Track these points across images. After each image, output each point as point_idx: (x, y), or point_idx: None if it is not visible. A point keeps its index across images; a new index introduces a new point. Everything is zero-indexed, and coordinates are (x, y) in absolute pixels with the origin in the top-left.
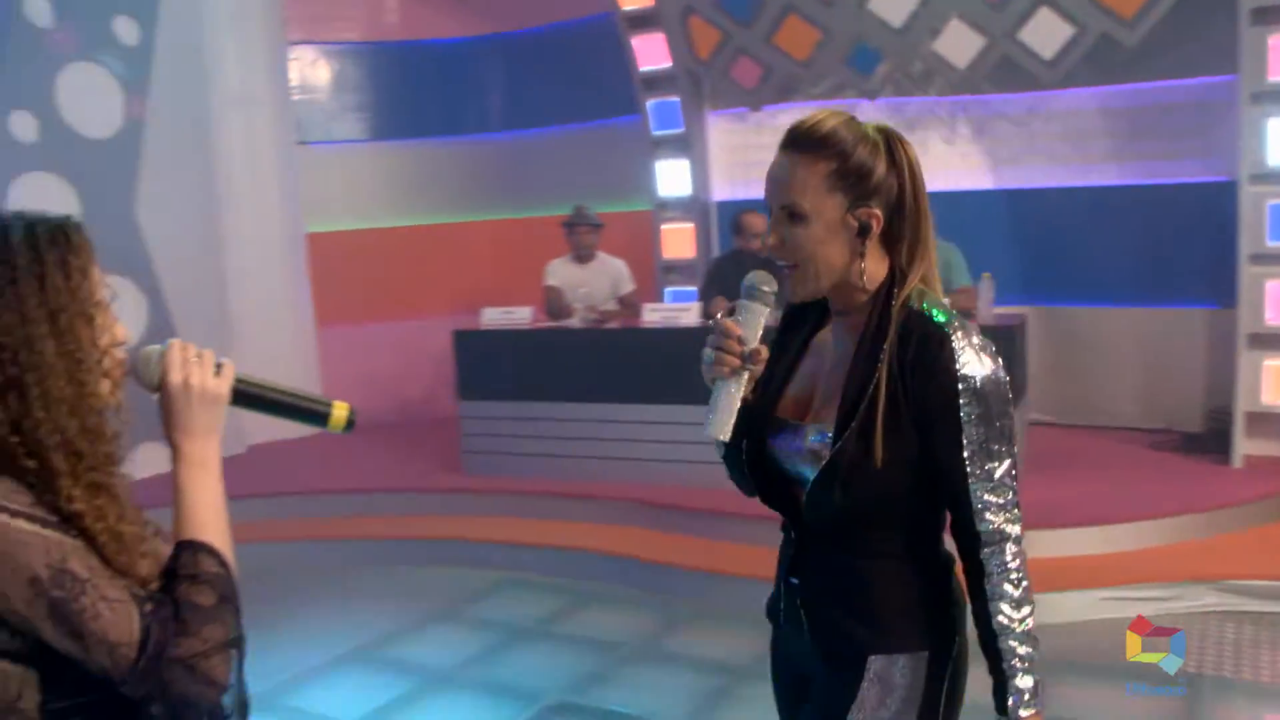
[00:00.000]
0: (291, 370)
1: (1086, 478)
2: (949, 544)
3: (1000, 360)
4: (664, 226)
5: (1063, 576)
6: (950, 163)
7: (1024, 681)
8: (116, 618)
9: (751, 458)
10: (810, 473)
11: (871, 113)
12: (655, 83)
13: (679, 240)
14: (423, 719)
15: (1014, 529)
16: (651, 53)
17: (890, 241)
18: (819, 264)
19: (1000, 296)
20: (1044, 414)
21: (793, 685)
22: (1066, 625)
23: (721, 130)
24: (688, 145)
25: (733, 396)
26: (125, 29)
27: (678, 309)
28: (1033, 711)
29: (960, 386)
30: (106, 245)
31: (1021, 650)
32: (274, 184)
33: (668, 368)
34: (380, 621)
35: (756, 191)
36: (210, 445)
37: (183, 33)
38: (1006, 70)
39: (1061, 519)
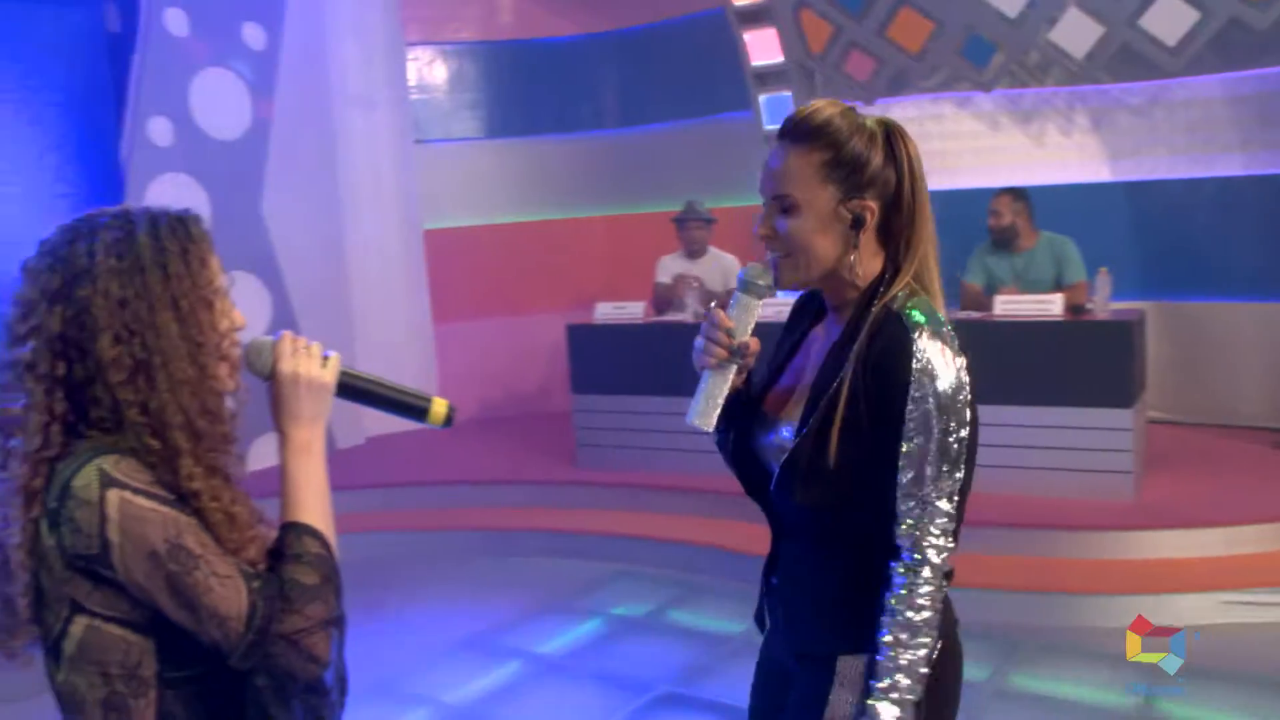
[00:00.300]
0: (409, 365)
1: (1208, 477)
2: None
3: (966, 376)
4: None
5: (1183, 578)
6: (1067, 155)
7: (886, 711)
8: (226, 593)
9: (736, 450)
10: (777, 468)
11: (985, 105)
12: (767, 77)
13: None
14: (534, 706)
15: (934, 552)
16: (763, 47)
17: (887, 237)
18: (810, 255)
19: (1118, 291)
20: (1164, 412)
21: (775, 686)
22: (1186, 629)
23: None
24: None
25: (718, 387)
26: (253, 35)
27: (789, 304)
28: None
29: (909, 394)
30: (233, 242)
31: (898, 679)
32: (393, 182)
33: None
34: (494, 610)
35: None
36: (316, 433)
37: (306, 37)
38: (1127, 59)
39: (1182, 519)
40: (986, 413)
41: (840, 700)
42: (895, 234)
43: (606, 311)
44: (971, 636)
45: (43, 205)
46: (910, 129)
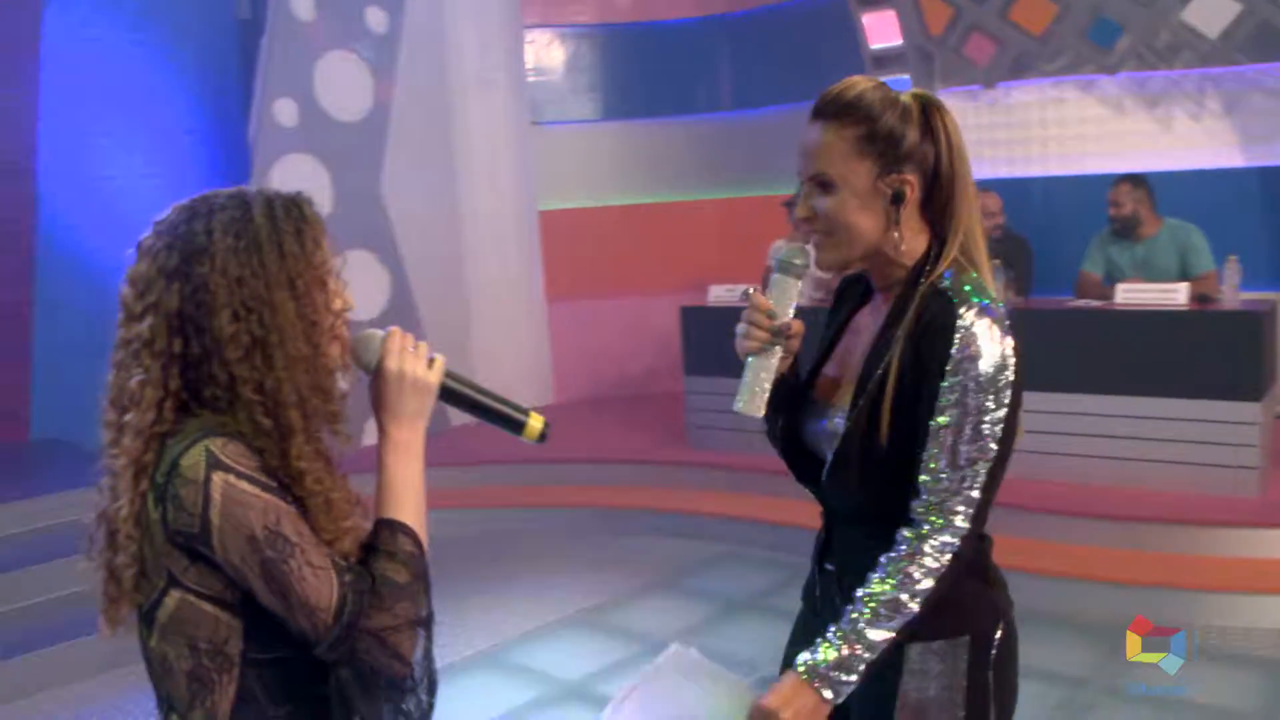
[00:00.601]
0: (523, 345)
1: None
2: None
3: (1016, 355)
4: None
5: None
6: (1195, 140)
7: (827, 654)
8: (319, 583)
9: (786, 437)
10: (830, 452)
11: (1111, 89)
12: (885, 61)
13: None
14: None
15: (948, 532)
16: (882, 30)
17: (931, 213)
18: (850, 233)
19: (1248, 281)
20: None
21: None
22: None
23: (952, 108)
24: None
25: (763, 372)
26: (376, 18)
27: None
28: (811, 682)
29: (949, 368)
30: (352, 222)
31: (867, 633)
32: (509, 163)
33: None
34: (602, 587)
35: (988, 171)
36: (416, 431)
37: (426, 19)
38: (1265, 38)
39: None
40: (1106, 403)
41: (912, 688)
42: (939, 210)
43: (719, 294)
44: (1085, 631)
45: (180, 189)
46: (1031, 114)
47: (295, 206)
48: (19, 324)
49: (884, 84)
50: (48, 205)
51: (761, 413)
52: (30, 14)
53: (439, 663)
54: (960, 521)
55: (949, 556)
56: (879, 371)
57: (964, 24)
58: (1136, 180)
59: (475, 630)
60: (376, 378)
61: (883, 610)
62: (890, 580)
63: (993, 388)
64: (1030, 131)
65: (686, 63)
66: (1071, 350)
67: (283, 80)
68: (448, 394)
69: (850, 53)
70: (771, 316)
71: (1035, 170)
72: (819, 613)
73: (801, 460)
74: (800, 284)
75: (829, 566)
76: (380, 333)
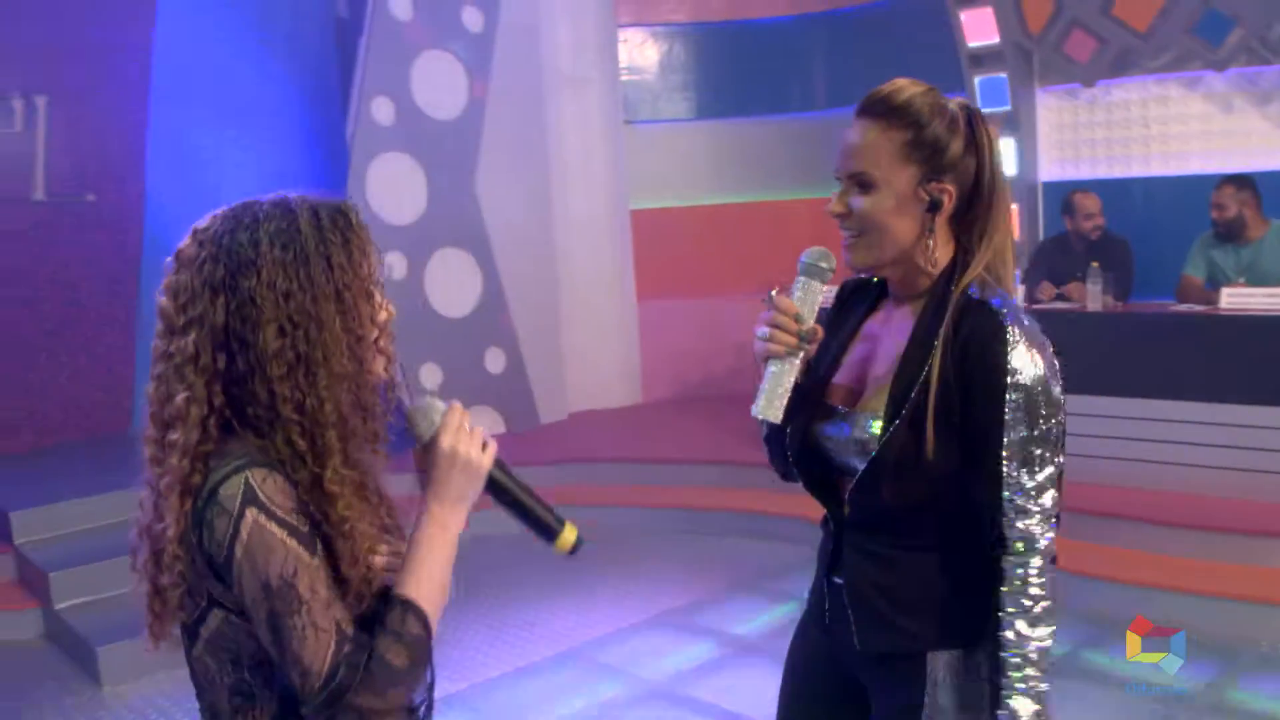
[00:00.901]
0: (613, 344)
1: None
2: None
3: (1055, 362)
4: None
5: None
6: None
7: (1022, 705)
8: (317, 646)
9: (797, 443)
10: (858, 463)
11: (1218, 85)
12: (982, 59)
13: None
14: (725, 686)
15: (1044, 540)
16: (979, 27)
17: (960, 225)
18: (884, 235)
19: None
20: None
21: (830, 688)
22: None
23: (1050, 108)
24: (1014, 123)
25: (786, 376)
26: (471, 18)
27: None
28: None
29: (1008, 382)
30: (447, 220)
31: (1030, 671)
32: (602, 162)
33: None
34: (688, 588)
35: (1088, 171)
36: (457, 512)
37: (521, 18)
38: None
39: None
40: (1211, 411)
41: (937, 697)
42: (969, 224)
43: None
44: (1195, 645)
45: (275, 184)
46: (1133, 112)
47: (341, 215)
48: (127, 320)
49: (934, 89)
50: (153, 204)
51: (780, 418)
52: (144, 21)
53: (523, 661)
54: (1049, 529)
55: (1051, 561)
56: (920, 380)
57: (1064, 20)
58: (1242, 181)
59: (557, 629)
60: (428, 451)
61: (1032, 637)
62: (1022, 608)
63: (1047, 396)
64: (1131, 130)
65: (780, 61)
66: (1174, 356)
67: (380, 79)
68: (492, 483)
69: (947, 51)
70: (799, 320)
71: (1136, 170)
72: (829, 629)
73: (813, 467)
74: (825, 288)
75: (838, 580)
76: (441, 405)
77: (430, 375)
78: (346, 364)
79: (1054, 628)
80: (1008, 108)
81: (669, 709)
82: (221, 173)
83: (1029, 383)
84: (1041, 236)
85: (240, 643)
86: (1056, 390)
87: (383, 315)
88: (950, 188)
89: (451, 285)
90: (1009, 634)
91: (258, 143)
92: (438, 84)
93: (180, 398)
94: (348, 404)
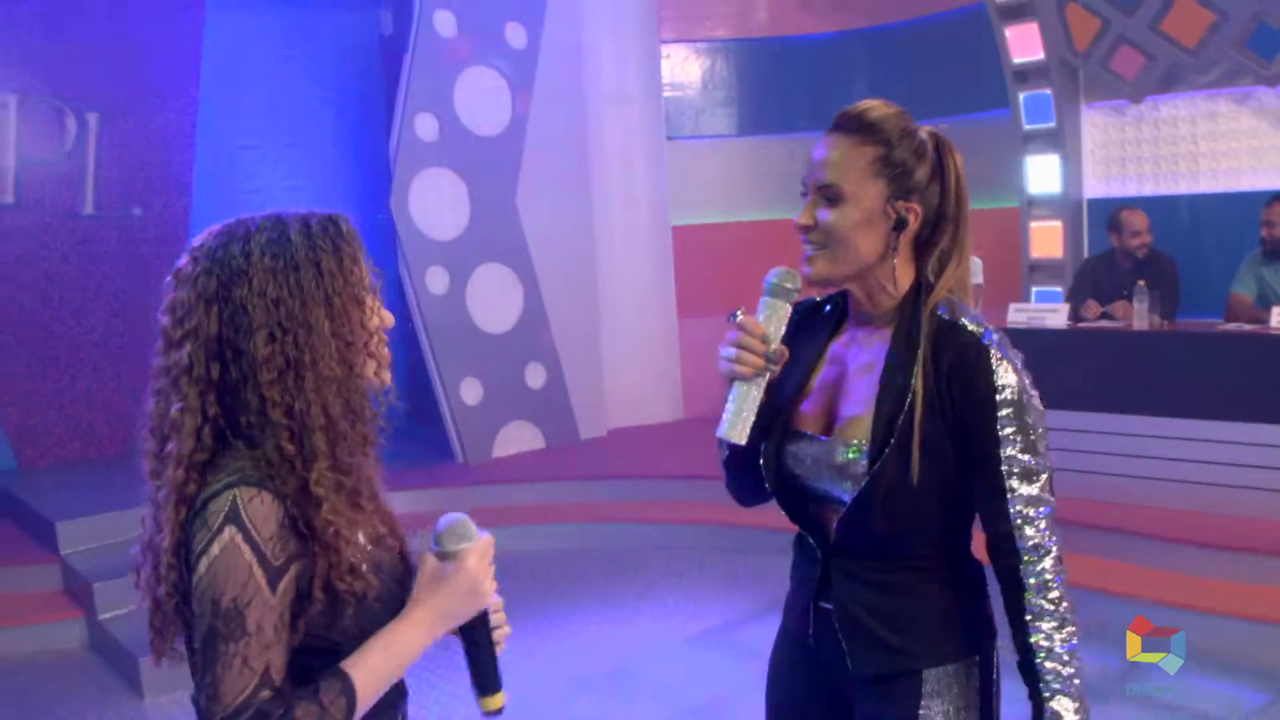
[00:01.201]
0: (653, 360)
1: None
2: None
3: (1029, 373)
4: (1032, 224)
5: None
6: None
7: (1063, 704)
8: (238, 680)
9: (769, 468)
10: (840, 491)
11: (1269, 101)
12: (1027, 75)
13: (1047, 238)
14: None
15: (1052, 544)
16: (1024, 43)
17: (921, 250)
18: (848, 249)
19: None
20: None
21: (824, 707)
22: None
23: (1096, 124)
24: (1059, 140)
25: (753, 399)
26: (515, 34)
27: (1044, 309)
28: None
29: (998, 399)
30: (488, 235)
31: (1064, 670)
32: (644, 178)
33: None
34: (730, 606)
35: (1134, 188)
36: (437, 628)
37: (564, 35)
38: None
39: None
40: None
41: (932, 712)
42: (929, 250)
43: None
44: (1258, 675)
45: (319, 199)
46: (1180, 129)
47: (332, 224)
48: None
49: (905, 113)
50: (198, 218)
51: (745, 440)
52: (192, 39)
53: (562, 682)
54: (1050, 535)
55: (1061, 565)
56: (905, 409)
57: (1111, 36)
58: None
59: (597, 648)
60: (447, 560)
61: (1063, 642)
62: (1048, 614)
63: (1034, 410)
64: (1179, 147)
65: (823, 78)
66: (1223, 376)
67: (424, 96)
68: (473, 622)
69: (991, 67)
70: (766, 341)
71: (1184, 188)
72: (812, 652)
73: (786, 492)
74: (790, 307)
75: (825, 605)
76: (475, 529)
77: (470, 390)
78: (336, 368)
79: (1074, 624)
80: (1052, 124)
81: None
82: (265, 188)
83: (1015, 398)
84: (1086, 254)
85: None
86: (1037, 401)
87: (374, 321)
88: (917, 207)
89: (493, 300)
90: (1038, 638)
91: (302, 158)
92: (481, 100)
93: (175, 409)
94: (337, 408)
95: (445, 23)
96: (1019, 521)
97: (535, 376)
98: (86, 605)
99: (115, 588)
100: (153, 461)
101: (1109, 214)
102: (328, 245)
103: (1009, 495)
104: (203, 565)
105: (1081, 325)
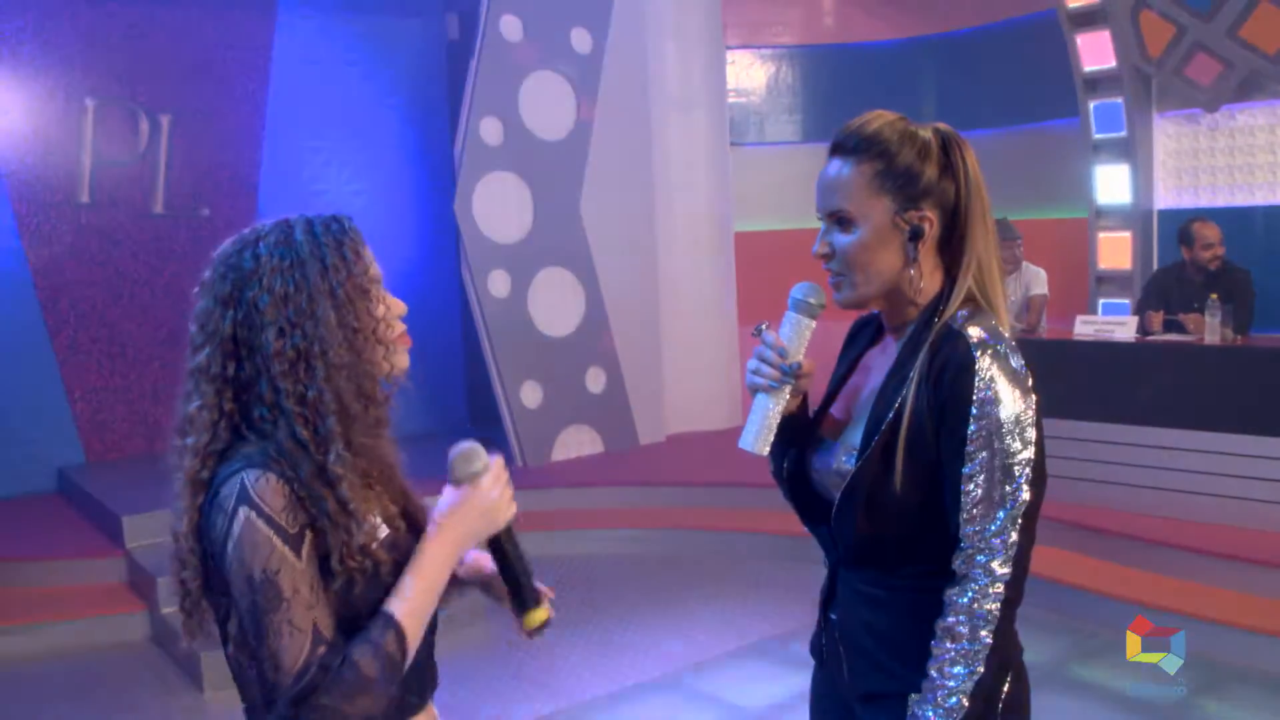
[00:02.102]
0: (713, 366)
1: None
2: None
3: (1031, 394)
4: (1100, 235)
5: None
6: None
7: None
8: (291, 645)
9: (792, 476)
10: (838, 495)
11: None
12: (1098, 83)
13: (1115, 249)
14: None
15: (994, 580)
16: (1095, 51)
17: (947, 253)
18: (868, 271)
19: None
20: None
21: None
22: None
23: (1168, 134)
24: (1129, 150)
25: (770, 410)
26: (580, 39)
27: (1112, 322)
28: None
29: (973, 412)
30: (551, 239)
31: (944, 701)
32: (707, 184)
33: (1093, 382)
34: (788, 616)
35: (1207, 199)
36: (461, 549)
37: (629, 40)
38: None
39: None
40: None
41: None
42: (955, 249)
43: None
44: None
45: (383, 202)
46: (1258, 139)
47: (335, 221)
48: None
49: (903, 118)
50: (265, 217)
51: (766, 451)
52: (262, 44)
53: (616, 685)
54: (1001, 568)
55: (999, 605)
56: (891, 413)
57: (1187, 43)
58: None
59: (655, 654)
60: (464, 484)
61: (951, 677)
62: (952, 644)
63: (1017, 430)
64: (1256, 157)
65: (890, 85)
66: None
67: (489, 100)
68: (499, 541)
69: (1061, 75)
70: (783, 355)
71: (1260, 199)
72: (825, 664)
73: (808, 501)
74: (814, 323)
75: (833, 616)
76: (484, 454)
77: (530, 394)
78: (344, 355)
79: (986, 669)
80: (1123, 133)
81: None
82: (330, 190)
83: (995, 413)
84: (1156, 266)
85: None
86: (1025, 424)
87: (380, 309)
88: (931, 215)
89: (554, 304)
90: (934, 667)
91: (367, 161)
92: (546, 105)
93: (193, 406)
94: (349, 392)
95: (511, 27)
96: (969, 546)
97: (595, 381)
98: (150, 599)
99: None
100: (175, 457)
101: (1180, 225)
102: (330, 241)
103: (961, 514)
104: (229, 549)
105: (1150, 339)
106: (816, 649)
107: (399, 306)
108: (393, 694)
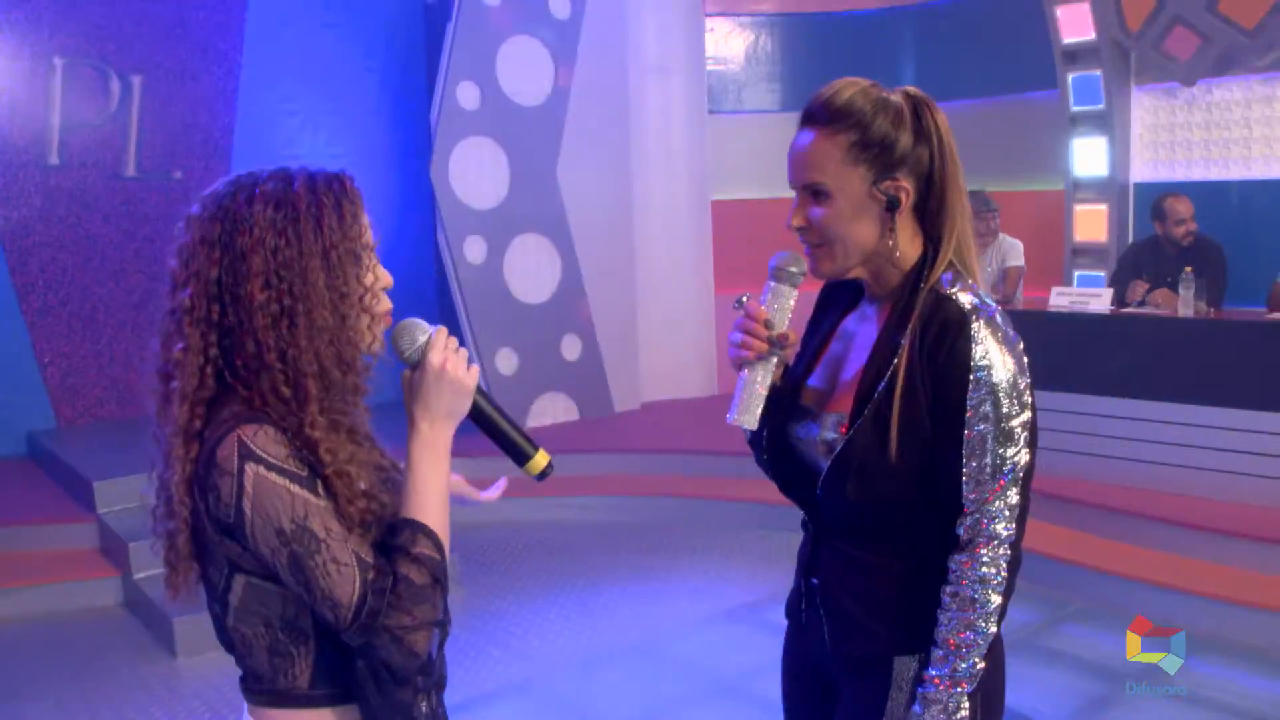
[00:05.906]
0: (688, 334)
1: None
2: None
3: (1024, 358)
4: (1077, 207)
5: None
6: None
7: (938, 703)
8: (342, 579)
9: (772, 446)
10: (824, 463)
11: None
12: (1077, 55)
13: (1091, 222)
14: None
15: (997, 541)
16: (1075, 23)
17: (925, 217)
18: (846, 243)
19: None
20: None
21: (814, 689)
22: None
23: (1146, 107)
24: (1107, 122)
25: (759, 382)
26: (558, 4)
27: (1087, 294)
28: None
29: (970, 378)
30: (528, 206)
31: (957, 666)
32: (684, 151)
33: (1068, 353)
34: (762, 584)
35: (1183, 173)
36: (446, 430)
37: (608, 6)
38: None
39: None
40: None
41: (899, 702)
42: (932, 213)
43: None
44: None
45: (358, 166)
46: (1233, 113)
47: (337, 180)
48: None
49: (876, 84)
50: None
51: (755, 424)
52: (236, 4)
53: (591, 651)
54: (1005, 529)
55: (1005, 566)
56: (885, 378)
57: (1166, 17)
58: None
59: (630, 620)
60: (417, 370)
61: (967, 644)
62: (960, 610)
63: (1014, 393)
64: (1231, 131)
65: (869, 54)
66: (1270, 365)
67: (466, 64)
68: (474, 406)
69: (1040, 47)
70: (769, 326)
71: (1235, 173)
72: (804, 627)
73: (787, 469)
74: (797, 292)
75: (814, 581)
76: (425, 325)
77: (506, 360)
78: (329, 318)
79: (992, 630)
80: (1101, 106)
81: (737, 704)
82: (306, 154)
83: (992, 379)
84: (1131, 239)
85: (269, 605)
86: (1024, 388)
87: (369, 278)
88: (906, 183)
89: (530, 271)
90: (943, 632)
91: (343, 124)
92: (523, 70)
93: (178, 348)
94: (329, 356)
95: None
96: (971, 510)
97: (571, 348)
98: (122, 564)
99: (150, 547)
100: (159, 400)
101: (1153, 201)
102: (330, 200)
103: (964, 477)
104: (246, 509)
105: (1125, 310)
106: (795, 611)
107: (386, 278)
108: (446, 590)
